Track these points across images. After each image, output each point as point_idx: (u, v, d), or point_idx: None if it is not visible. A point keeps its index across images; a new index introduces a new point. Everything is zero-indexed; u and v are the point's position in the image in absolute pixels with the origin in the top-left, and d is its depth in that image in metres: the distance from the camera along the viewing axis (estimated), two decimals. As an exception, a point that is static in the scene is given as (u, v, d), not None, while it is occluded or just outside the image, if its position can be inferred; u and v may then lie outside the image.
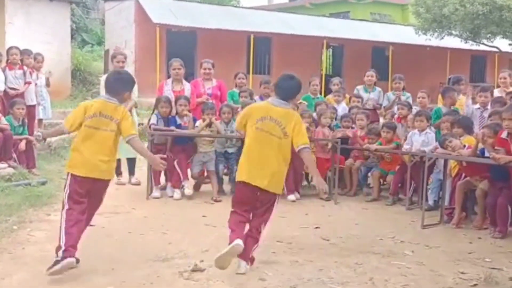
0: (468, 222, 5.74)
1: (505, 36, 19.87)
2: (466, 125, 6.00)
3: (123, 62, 7.33)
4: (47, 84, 9.58)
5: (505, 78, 7.39)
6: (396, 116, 7.59)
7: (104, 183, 4.13)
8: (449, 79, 8.34)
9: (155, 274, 3.98)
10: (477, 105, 6.71)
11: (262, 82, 7.83)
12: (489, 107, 6.60)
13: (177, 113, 6.88)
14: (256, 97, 7.48)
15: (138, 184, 7.31)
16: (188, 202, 6.43)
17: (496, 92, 7.51)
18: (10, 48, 8.72)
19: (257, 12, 22.57)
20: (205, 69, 7.61)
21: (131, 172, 7.52)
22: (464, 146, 5.68)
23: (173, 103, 6.92)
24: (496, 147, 5.23)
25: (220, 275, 3.96)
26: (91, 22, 24.75)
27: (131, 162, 7.49)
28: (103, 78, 7.57)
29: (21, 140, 7.48)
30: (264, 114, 4.12)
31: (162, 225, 5.35)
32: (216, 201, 6.57)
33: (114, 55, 7.43)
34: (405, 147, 6.61)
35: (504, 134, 5.26)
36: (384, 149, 6.97)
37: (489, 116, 6.16)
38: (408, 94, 8.37)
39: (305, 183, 7.54)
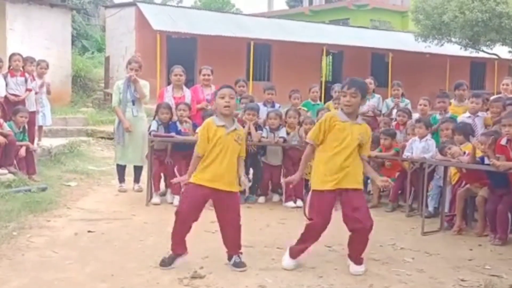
0: (468, 229, 5.74)
1: (504, 43, 19.95)
2: (467, 132, 6.00)
3: (136, 70, 7.30)
4: (48, 92, 9.60)
5: (507, 85, 7.37)
6: (394, 122, 7.60)
7: None
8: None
9: (154, 281, 3.98)
10: (467, 114, 6.69)
11: (266, 88, 7.84)
12: (480, 114, 6.60)
13: (178, 119, 6.90)
14: (259, 103, 7.51)
15: (140, 191, 7.32)
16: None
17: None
18: (13, 54, 8.74)
19: (257, 19, 22.66)
20: (204, 75, 7.63)
21: (136, 179, 7.52)
22: (464, 153, 5.68)
23: (173, 110, 6.94)
24: (496, 154, 5.23)
25: (219, 281, 3.96)
26: (91, 28, 24.83)
27: (138, 170, 7.50)
28: (116, 84, 7.57)
29: (21, 146, 7.49)
30: None
31: (161, 231, 5.34)
32: (216, 207, 6.55)
33: (129, 62, 7.46)
34: (406, 154, 6.61)
35: (503, 141, 5.26)
36: (384, 156, 6.98)
37: (494, 123, 6.16)
38: (407, 101, 8.38)
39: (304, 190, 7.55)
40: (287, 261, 4.36)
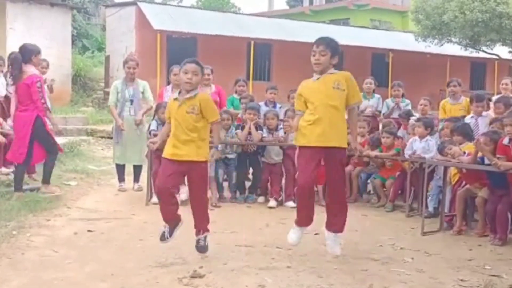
0: (468, 229, 5.74)
1: (504, 44, 19.95)
2: (465, 132, 5.99)
3: (134, 68, 7.32)
4: (50, 91, 9.59)
5: (507, 84, 7.38)
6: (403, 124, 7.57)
7: None
8: (449, 82, 8.27)
9: (154, 280, 3.97)
10: (470, 115, 6.68)
11: (269, 88, 7.86)
12: (484, 113, 6.59)
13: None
14: (261, 103, 7.50)
15: (140, 190, 7.31)
16: (187, 208, 6.42)
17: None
18: (12, 53, 8.71)
19: (257, 18, 22.66)
20: (204, 74, 7.61)
21: (136, 179, 7.52)
22: (464, 153, 5.68)
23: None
24: (497, 154, 5.23)
25: (219, 281, 3.96)
26: (92, 28, 24.83)
27: (138, 169, 7.50)
28: (114, 84, 7.58)
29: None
30: None
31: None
32: (215, 207, 6.57)
33: (126, 61, 7.46)
34: (407, 152, 6.58)
35: (505, 141, 5.25)
36: (384, 156, 6.97)
37: (491, 123, 6.16)
38: (408, 101, 8.38)
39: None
40: (290, 233, 4.48)
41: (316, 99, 4.25)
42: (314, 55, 4.27)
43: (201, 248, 4.45)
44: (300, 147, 4.35)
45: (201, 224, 4.46)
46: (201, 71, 4.37)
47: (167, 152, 4.35)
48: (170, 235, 4.44)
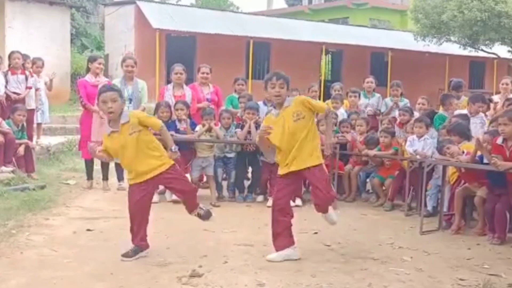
0: (466, 228, 5.75)
1: (503, 43, 19.95)
2: (462, 131, 5.99)
3: (132, 66, 7.30)
4: (49, 88, 9.60)
5: (507, 84, 7.39)
6: (398, 121, 7.59)
7: None
8: (450, 81, 8.30)
9: (153, 279, 3.97)
10: (465, 111, 6.68)
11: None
12: (478, 116, 6.58)
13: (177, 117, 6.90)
14: (259, 102, 7.49)
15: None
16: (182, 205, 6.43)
17: (496, 98, 7.51)
18: (12, 52, 8.74)
19: (256, 17, 22.64)
20: (203, 73, 7.62)
21: None
22: (463, 152, 5.68)
23: (173, 108, 6.94)
24: (493, 154, 5.23)
25: (218, 280, 3.96)
26: (90, 26, 24.77)
27: None
28: (115, 81, 7.56)
29: (20, 144, 7.49)
30: None
31: (160, 230, 5.33)
32: (214, 206, 6.57)
33: (123, 59, 7.44)
34: (408, 149, 6.56)
35: (499, 140, 5.25)
36: (382, 155, 6.97)
37: (490, 122, 6.16)
38: (406, 101, 8.38)
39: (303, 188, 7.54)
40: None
41: (284, 132, 4.45)
42: (274, 88, 4.47)
43: (205, 215, 4.61)
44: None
45: (192, 206, 4.63)
46: (120, 95, 4.36)
47: (132, 178, 4.43)
48: (134, 255, 4.42)
